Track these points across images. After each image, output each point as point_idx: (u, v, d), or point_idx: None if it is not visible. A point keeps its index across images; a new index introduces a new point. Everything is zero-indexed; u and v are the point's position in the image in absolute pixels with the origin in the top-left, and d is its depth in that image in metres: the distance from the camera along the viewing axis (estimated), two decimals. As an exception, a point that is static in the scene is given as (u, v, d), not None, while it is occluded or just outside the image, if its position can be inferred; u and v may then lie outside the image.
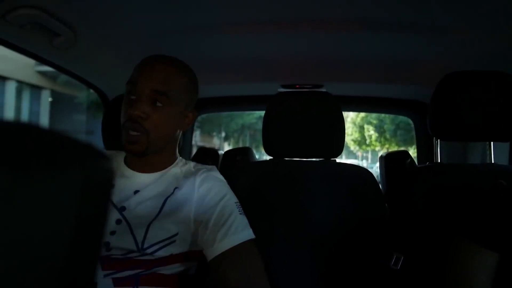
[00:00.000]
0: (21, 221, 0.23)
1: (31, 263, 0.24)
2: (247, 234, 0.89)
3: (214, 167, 1.02)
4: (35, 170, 0.24)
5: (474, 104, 1.08)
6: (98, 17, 1.15)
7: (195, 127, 2.31)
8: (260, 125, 1.26)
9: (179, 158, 1.03)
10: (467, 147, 1.80)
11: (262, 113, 1.28)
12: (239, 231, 0.88)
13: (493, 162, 1.22)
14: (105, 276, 0.83)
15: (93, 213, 0.28)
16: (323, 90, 1.77)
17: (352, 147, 16.27)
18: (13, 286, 0.23)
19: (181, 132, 1.02)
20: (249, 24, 1.23)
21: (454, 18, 1.13)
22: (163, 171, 0.97)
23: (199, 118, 2.24)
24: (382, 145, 14.64)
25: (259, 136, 1.21)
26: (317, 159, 1.27)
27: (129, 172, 0.96)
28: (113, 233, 0.86)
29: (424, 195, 1.09)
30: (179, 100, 0.93)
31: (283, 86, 1.83)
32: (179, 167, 0.99)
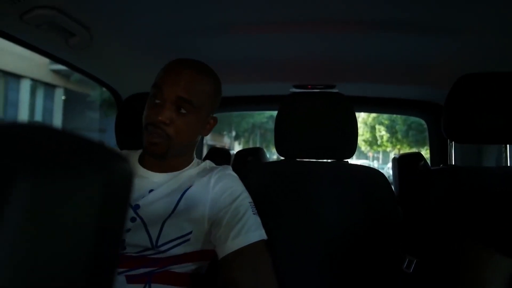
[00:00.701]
0: (44, 228, 0.23)
1: (54, 270, 0.24)
2: (260, 234, 0.89)
3: (229, 166, 1.02)
4: (57, 176, 0.24)
5: (490, 106, 1.07)
6: (112, 18, 1.16)
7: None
8: (270, 125, 1.26)
9: (196, 159, 1.04)
10: (481, 150, 1.78)
11: (273, 112, 1.27)
12: (252, 230, 0.88)
13: (509, 165, 1.20)
14: (119, 273, 0.84)
15: (113, 217, 0.29)
16: (335, 90, 1.76)
17: (363, 147, 16.15)
18: None
19: (199, 138, 1.02)
20: (261, 25, 1.22)
21: (469, 18, 1.11)
22: (179, 171, 0.97)
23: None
24: (394, 146, 14.52)
25: (269, 136, 1.19)
26: (329, 160, 1.26)
27: (144, 172, 0.96)
28: (127, 230, 0.86)
29: (438, 198, 1.08)
30: (203, 107, 0.93)
31: (295, 87, 1.83)
32: (195, 167, 1.00)
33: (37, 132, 0.26)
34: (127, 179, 0.29)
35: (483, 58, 1.35)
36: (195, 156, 1.05)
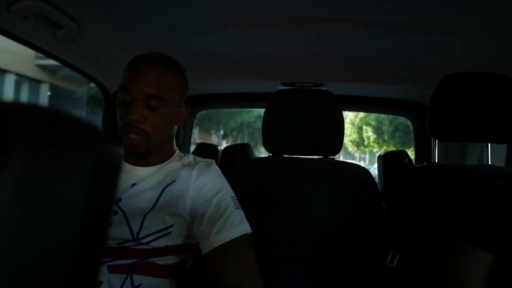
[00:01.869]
0: (36, 198, 0.24)
1: (44, 237, 0.25)
2: (243, 228, 0.90)
3: (213, 161, 1.03)
4: (50, 150, 0.24)
5: (473, 106, 1.10)
6: (102, 10, 1.15)
7: (193, 125, 2.31)
8: (258, 124, 1.27)
9: (177, 151, 1.04)
10: (465, 148, 1.81)
11: (261, 112, 1.28)
12: (235, 225, 0.88)
13: (490, 163, 1.23)
14: None
15: (102, 196, 0.29)
16: (324, 88, 1.78)
17: (350, 148, 16.27)
18: (26, 259, 0.24)
19: (176, 128, 1.03)
20: (250, 22, 1.23)
21: (454, 19, 1.13)
22: (161, 164, 0.98)
23: (198, 115, 2.24)
24: (380, 147, 14.65)
25: (257, 135, 1.20)
26: (316, 157, 1.28)
27: (127, 166, 0.96)
28: None
29: (422, 195, 1.10)
30: (173, 99, 0.94)
31: (284, 84, 1.84)
32: (177, 160, 1.00)
33: (32, 108, 0.26)
34: (116, 160, 0.30)
35: (468, 59, 1.38)
36: (176, 147, 1.05)
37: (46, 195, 0.24)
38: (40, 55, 1.44)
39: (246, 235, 0.90)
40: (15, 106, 0.26)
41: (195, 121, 2.30)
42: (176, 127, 1.02)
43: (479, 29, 1.17)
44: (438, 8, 1.08)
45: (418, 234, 1.09)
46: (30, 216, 0.24)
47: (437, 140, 1.46)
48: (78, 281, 0.28)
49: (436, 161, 1.50)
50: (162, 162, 0.98)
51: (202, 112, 2.27)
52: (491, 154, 1.24)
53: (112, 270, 0.84)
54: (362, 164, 1.32)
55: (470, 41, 1.26)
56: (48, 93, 9.01)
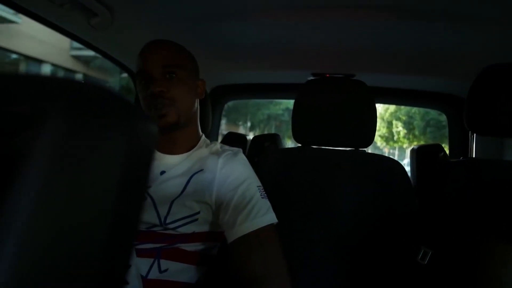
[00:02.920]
0: (69, 169, 0.24)
1: (77, 214, 0.25)
2: (269, 218, 0.89)
3: (240, 149, 1.02)
4: (85, 120, 0.24)
5: None
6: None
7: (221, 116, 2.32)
8: (286, 117, 1.26)
9: (203, 137, 1.05)
10: (504, 143, 1.73)
11: (289, 104, 1.27)
12: (260, 215, 0.88)
13: None
14: None
15: (136, 173, 0.29)
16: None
17: (379, 143, 15.98)
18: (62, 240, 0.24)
19: (198, 105, 1.05)
20: (279, 10, 1.21)
21: (494, 6, 1.07)
22: (189, 152, 0.99)
23: (225, 106, 2.25)
24: (411, 142, 14.31)
25: (284, 127, 1.20)
26: (347, 149, 1.25)
27: (157, 154, 0.98)
28: None
29: (458, 190, 1.06)
30: (188, 68, 0.98)
31: (313, 75, 1.81)
32: (205, 147, 1.01)
33: (69, 81, 0.26)
34: (151, 137, 0.29)
35: (508, 49, 1.31)
36: (202, 134, 1.06)
37: (79, 169, 0.24)
38: (75, 46, 1.49)
39: (271, 225, 0.89)
40: (52, 78, 0.26)
41: (223, 112, 2.31)
42: (197, 104, 1.04)
43: None
44: None
45: (451, 231, 1.05)
46: (61, 190, 0.23)
47: (474, 135, 1.39)
48: (111, 264, 0.27)
49: (473, 156, 1.44)
50: (190, 150, 0.99)
51: (230, 104, 2.28)
52: None
53: (140, 253, 0.86)
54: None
55: (508, 31, 1.19)
56: (82, 83, 9.29)
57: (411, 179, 1.25)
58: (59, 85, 0.25)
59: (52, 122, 0.22)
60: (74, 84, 0.26)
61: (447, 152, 1.95)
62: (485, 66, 1.10)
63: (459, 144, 1.92)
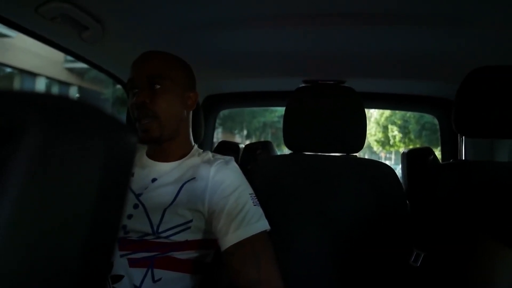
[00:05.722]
0: (46, 180, 0.25)
1: (54, 223, 0.26)
2: (261, 225, 0.90)
3: (232, 158, 1.03)
4: (61, 133, 0.25)
5: (501, 100, 1.06)
6: (125, 11, 1.17)
7: (216, 125, 2.33)
8: (281, 124, 1.26)
9: (196, 147, 1.06)
10: (493, 145, 1.75)
11: (284, 111, 1.28)
12: (253, 222, 0.88)
13: None
14: (121, 256, 0.86)
15: (115, 182, 0.30)
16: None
17: (376, 147, 16.02)
18: (37, 245, 0.25)
19: (190, 115, 1.05)
20: (270, 19, 1.23)
21: (480, 10, 1.10)
22: (181, 160, 1.00)
23: (220, 115, 2.26)
24: (406, 146, 14.34)
25: (280, 135, 1.21)
26: (338, 154, 1.26)
27: (149, 162, 1.00)
28: (130, 216, 0.89)
29: (448, 192, 1.07)
30: (177, 80, 0.98)
31: (305, 82, 1.83)
32: (197, 156, 1.02)
33: (45, 95, 0.27)
34: (130, 148, 0.30)
35: (495, 52, 1.33)
36: (194, 144, 1.07)
37: (57, 179, 0.25)
38: (69, 58, 1.50)
39: (264, 232, 0.90)
40: (28, 93, 0.27)
41: (218, 122, 2.32)
42: (187, 114, 1.04)
43: (506, 20, 1.12)
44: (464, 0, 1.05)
45: (443, 233, 1.06)
46: (40, 199, 0.24)
47: (464, 137, 1.41)
48: (89, 269, 0.28)
49: (464, 159, 1.46)
50: (182, 158, 1.00)
51: (225, 112, 2.29)
52: None
53: (133, 264, 0.86)
54: (387, 163, 1.30)
55: (497, 34, 1.21)
56: (77, 95, 9.30)
57: (402, 182, 1.27)
58: (36, 99, 0.26)
59: (30, 135, 0.23)
60: (51, 98, 0.27)
61: (440, 154, 1.96)
62: (472, 69, 1.12)
63: (451, 146, 1.94)
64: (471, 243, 0.87)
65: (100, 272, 0.30)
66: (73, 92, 9.21)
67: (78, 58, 1.40)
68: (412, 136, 14.20)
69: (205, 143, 2.12)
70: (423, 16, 1.15)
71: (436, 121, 2.05)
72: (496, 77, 1.08)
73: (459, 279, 0.89)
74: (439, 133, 2.04)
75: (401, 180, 1.29)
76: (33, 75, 7.97)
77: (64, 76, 8.79)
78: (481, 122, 1.08)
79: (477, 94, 1.08)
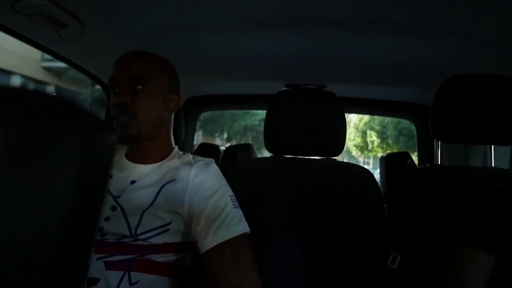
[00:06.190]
0: (20, 176, 0.24)
1: (28, 220, 0.25)
2: (241, 228, 0.90)
3: (212, 160, 1.03)
4: (37, 128, 0.24)
5: (475, 107, 1.09)
6: (105, 10, 1.16)
7: (197, 127, 2.31)
8: (262, 127, 1.27)
9: (176, 149, 1.05)
10: (468, 150, 1.80)
11: (264, 115, 1.28)
12: (233, 225, 0.88)
13: (493, 165, 1.22)
14: (98, 259, 0.84)
15: (92, 181, 0.29)
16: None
17: (354, 152, 16.22)
18: (11, 244, 0.24)
19: (171, 118, 1.04)
20: (252, 22, 1.23)
21: (456, 20, 1.13)
22: (161, 162, 0.98)
23: (201, 117, 2.25)
24: (384, 151, 14.56)
25: (261, 138, 1.21)
26: (318, 157, 1.28)
27: (128, 164, 0.98)
28: (107, 219, 0.88)
29: (423, 196, 1.10)
30: (159, 82, 0.96)
31: (286, 86, 1.84)
32: (177, 158, 1.01)
33: (21, 90, 0.26)
34: (108, 146, 0.30)
35: (470, 61, 1.38)
36: (175, 146, 1.06)
37: (31, 175, 0.24)
38: (46, 57, 1.46)
39: (244, 234, 0.89)
40: (2, 87, 0.26)
41: (198, 124, 2.31)
42: (169, 116, 1.02)
43: (481, 30, 1.16)
44: (440, 9, 1.08)
45: (419, 236, 1.08)
46: (13, 195, 0.23)
47: (439, 142, 1.45)
48: (64, 270, 0.27)
49: (439, 163, 1.49)
50: (162, 160, 0.99)
51: (206, 115, 2.28)
52: (495, 157, 1.23)
53: (110, 266, 0.84)
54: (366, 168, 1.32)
55: (472, 43, 1.25)
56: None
57: (380, 186, 1.29)
58: (10, 93, 0.25)
59: (3, 130, 0.22)
60: (27, 93, 0.27)
61: (416, 159, 2.01)
62: (448, 76, 1.15)
63: (427, 151, 1.98)
64: (446, 245, 0.89)
65: (76, 272, 0.29)
66: (50, 92, 8.99)
67: (57, 57, 1.37)
68: (390, 141, 14.45)
69: (185, 145, 2.10)
70: (402, 25, 1.18)
71: (413, 127, 2.10)
72: (470, 85, 1.11)
73: (434, 281, 0.91)
74: (416, 139, 2.09)
75: (379, 183, 1.31)
76: (8, 73, 7.73)
77: (40, 75, 8.56)
78: (456, 128, 1.11)
79: (452, 101, 1.11)
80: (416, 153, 2.14)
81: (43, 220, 0.26)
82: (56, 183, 0.26)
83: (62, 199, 0.26)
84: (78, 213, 0.28)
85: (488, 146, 1.23)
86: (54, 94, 0.27)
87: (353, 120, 14.69)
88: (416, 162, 2.01)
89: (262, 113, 1.32)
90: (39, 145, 0.24)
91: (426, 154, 2.00)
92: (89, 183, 0.29)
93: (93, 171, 0.29)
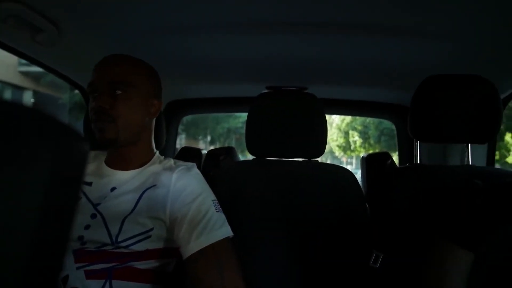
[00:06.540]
0: None
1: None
2: (224, 232, 0.89)
3: (194, 164, 1.02)
4: (2, 139, 0.24)
5: (453, 107, 1.11)
6: (81, 14, 1.14)
7: (180, 131, 2.30)
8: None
9: (157, 154, 1.03)
10: (446, 149, 1.84)
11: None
12: (215, 229, 0.87)
13: (470, 163, 1.25)
14: (77, 268, 0.82)
15: (63, 192, 0.28)
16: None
17: (337, 152, 16.38)
18: None
19: (153, 123, 1.03)
20: (234, 25, 1.23)
21: (433, 22, 1.15)
22: (142, 168, 0.97)
23: (184, 121, 2.23)
24: (367, 151, 14.74)
25: (244, 141, 1.20)
26: (300, 159, 1.28)
27: (108, 171, 0.96)
28: (87, 227, 0.86)
29: (403, 195, 1.11)
30: (139, 86, 0.94)
31: (268, 88, 1.84)
32: (158, 163, 0.99)
33: None
34: (80, 155, 0.29)
35: (447, 62, 1.41)
36: (156, 151, 1.04)
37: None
38: (23, 61, 1.43)
39: (227, 238, 0.89)
40: None
41: (181, 127, 2.29)
42: (149, 121, 1.01)
43: (458, 32, 1.19)
44: (417, 12, 1.10)
45: (400, 234, 1.10)
46: None
47: (419, 142, 1.48)
48: (35, 277, 0.27)
49: (419, 163, 1.52)
50: (142, 166, 0.98)
51: (188, 118, 2.26)
52: (472, 155, 1.26)
53: (90, 275, 0.82)
54: (349, 168, 1.33)
55: (450, 44, 1.28)
56: (32, 100, 8.86)
57: (362, 186, 1.30)
58: None
59: None
60: None
61: (397, 159, 2.04)
62: (425, 77, 1.17)
63: (407, 151, 2.02)
64: (426, 243, 0.90)
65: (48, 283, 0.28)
66: (28, 97, 8.78)
67: (33, 61, 1.33)
68: (372, 141, 14.66)
69: (167, 150, 2.08)
70: (381, 27, 1.20)
71: (394, 127, 2.13)
72: (447, 85, 1.13)
73: (415, 278, 0.92)
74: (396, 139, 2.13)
75: (361, 184, 1.33)
76: (-17, 78, 7.52)
77: (17, 80, 8.35)
78: (434, 127, 1.13)
79: (430, 101, 1.13)
80: (397, 153, 2.17)
81: (11, 230, 0.25)
82: (24, 192, 0.25)
83: (30, 208, 0.26)
84: (50, 220, 0.27)
85: (465, 144, 1.26)
86: (29, 103, 0.27)
87: (336, 121, 14.85)
88: (397, 161, 2.04)
89: (245, 116, 1.32)
90: (4, 155, 0.23)
91: (406, 153, 2.03)
92: (60, 194, 0.28)
93: (64, 182, 0.28)
